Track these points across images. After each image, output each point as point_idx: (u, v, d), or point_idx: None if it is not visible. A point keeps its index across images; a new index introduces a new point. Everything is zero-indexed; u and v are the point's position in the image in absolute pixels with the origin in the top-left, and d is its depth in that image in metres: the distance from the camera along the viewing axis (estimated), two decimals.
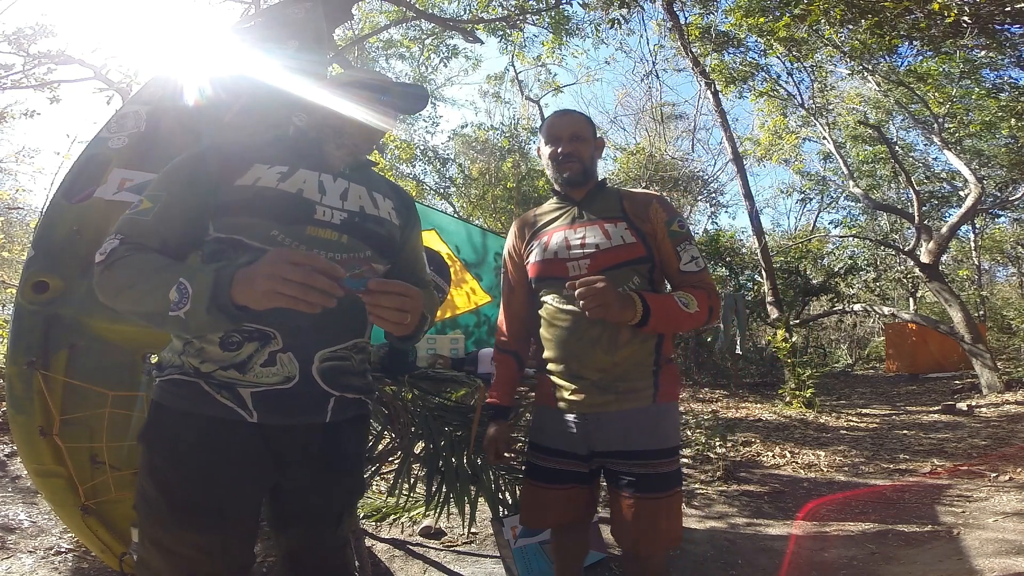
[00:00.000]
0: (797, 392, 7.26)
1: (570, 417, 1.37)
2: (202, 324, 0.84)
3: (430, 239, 2.84)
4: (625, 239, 1.37)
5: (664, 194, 12.49)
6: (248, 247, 0.95)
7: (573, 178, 1.43)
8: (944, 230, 8.98)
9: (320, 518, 1.09)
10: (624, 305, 1.24)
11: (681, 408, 7.04)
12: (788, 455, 4.54)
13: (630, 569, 1.42)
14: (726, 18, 8.93)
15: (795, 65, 9.84)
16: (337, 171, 1.10)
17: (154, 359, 1.04)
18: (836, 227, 17.65)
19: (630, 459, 1.32)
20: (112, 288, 0.90)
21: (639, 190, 1.53)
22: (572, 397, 1.36)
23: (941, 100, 9.13)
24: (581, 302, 1.22)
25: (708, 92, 9.63)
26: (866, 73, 9.58)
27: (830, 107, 11.42)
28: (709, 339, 10.27)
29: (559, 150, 1.44)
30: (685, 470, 3.92)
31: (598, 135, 1.53)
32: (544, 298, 1.43)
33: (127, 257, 0.90)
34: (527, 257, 1.48)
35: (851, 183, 11.28)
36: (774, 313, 8.69)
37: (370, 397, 1.14)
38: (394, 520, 2.62)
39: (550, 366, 1.41)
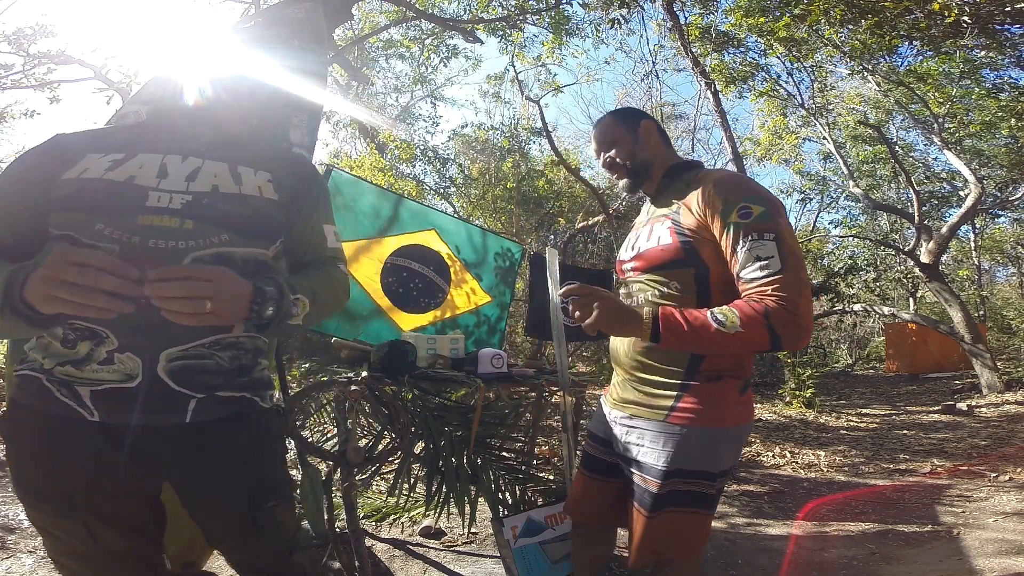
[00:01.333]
0: (797, 392, 7.26)
1: (605, 406, 1.41)
2: (2, 327, 0.80)
3: (430, 239, 2.84)
4: (661, 240, 1.22)
5: None
6: (78, 243, 0.88)
7: (626, 186, 1.37)
8: (944, 230, 8.98)
9: (229, 524, 1.04)
10: (621, 319, 1.10)
11: None
12: (788, 455, 4.54)
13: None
14: (726, 18, 8.94)
15: (795, 65, 9.84)
16: (191, 150, 0.99)
17: None
18: (836, 227, 17.67)
19: (627, 464, 1.27)
20: None
21: (713, 171, 1.27)
22: (611, 389, 1.40)
23: (941, 100, 9.13)
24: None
25: (708, 92, 9.62)
26: (866, 73, 9.58)
27: (830, 107, 11.42)
28: None
29: (601, 163, 1.40)
30: None
31: (642, 122, 1.37)
32: None
33: None
34: None
35: (851, 183, 11.28)
36: None
37: (261, 395, 1.05)
38: (394, 520, 2.62)
39: None
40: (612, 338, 1.36)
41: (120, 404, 0.90)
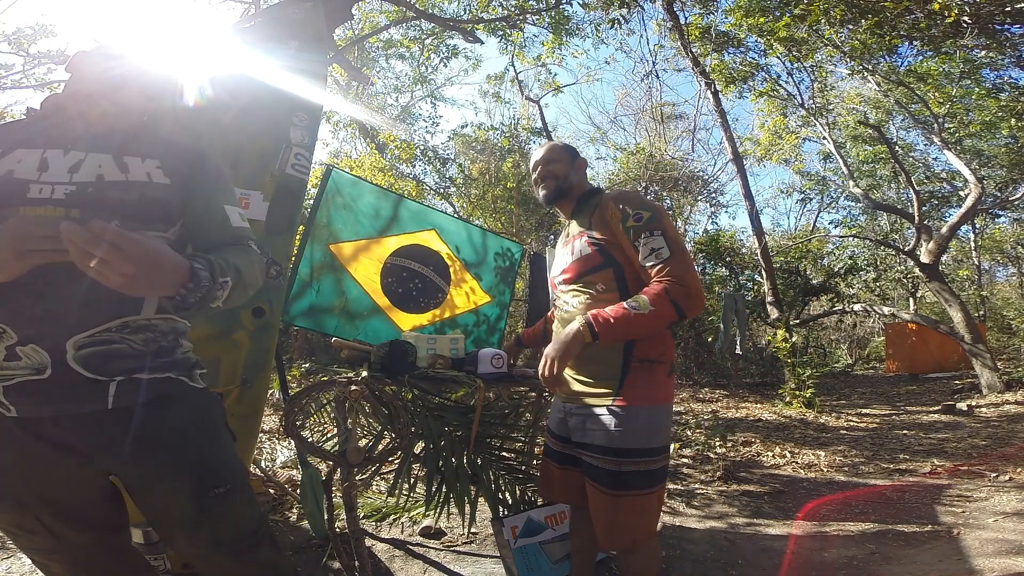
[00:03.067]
0: (797, 392, 7.26)
1: (557, 402, 1.58)
2: None
3: (430, 239, 2.84)
4: (583, 251, 1.47)
5: (663, 194, 12.60)
6: None
7: (548, 195, 1.60)
8: (944, 230, 8.97)
9: (176, 511, 1.01)
10: (568, 343, 1.34)
11: (681, 408, 7.06)
12: (788, 455, 4.54)
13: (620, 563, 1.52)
14: (726, 18, 8.95)
15: (795, 65, 9.85)
16: (73, 144, 1.00)
17: None
18: (836, 227, 17.69)
19: (585, 449, 1.42)
20: None
21: (612, 192, 1.55)
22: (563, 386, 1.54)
23: (941, 100, 9.13)
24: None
25: (708, 92, 9.63)
26: (866, 73, 9.58)
27: (830, 107, 11.42)
28: (709, 339, 10.28)
29: (536, 176, 1.64)
30: (685, 470, 3.92)
31: (577, 158, 1.64)
32: None
33: None
34: None
35: (851, 183, 11.28)
36: (774, 313, 8.69)
37: (188, 374, 1.04)
38: (394, 520, 2.62)
39: None
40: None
41: (36, 397, 0.90)
